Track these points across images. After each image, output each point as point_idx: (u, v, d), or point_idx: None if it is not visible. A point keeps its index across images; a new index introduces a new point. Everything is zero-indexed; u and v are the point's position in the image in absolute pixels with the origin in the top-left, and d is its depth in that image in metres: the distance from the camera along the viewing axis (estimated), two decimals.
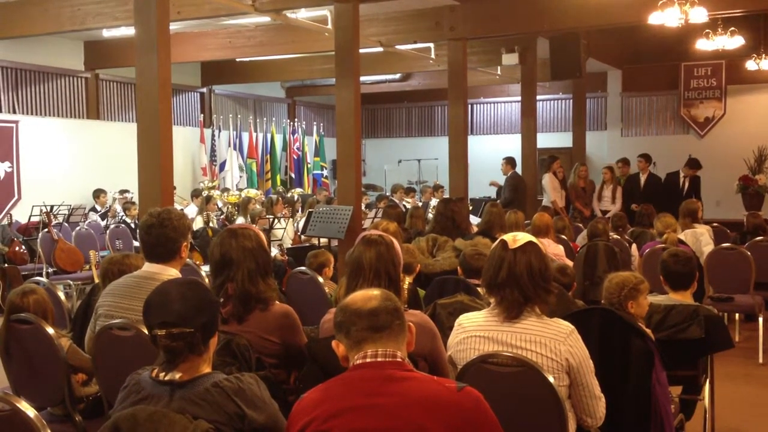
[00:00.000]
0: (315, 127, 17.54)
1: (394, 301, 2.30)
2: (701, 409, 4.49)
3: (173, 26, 8.09)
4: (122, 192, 12.27)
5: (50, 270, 9.11)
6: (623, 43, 14.95)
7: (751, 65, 12.89)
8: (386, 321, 2.23)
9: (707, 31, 10.66)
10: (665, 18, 8.11)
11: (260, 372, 2.91)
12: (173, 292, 2.28)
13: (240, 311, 3.19)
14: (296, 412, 2.22)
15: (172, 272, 3.55)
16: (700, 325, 4.01)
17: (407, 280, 4.39)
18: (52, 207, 10.17)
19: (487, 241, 5.77)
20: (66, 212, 10.90)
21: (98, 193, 12.20)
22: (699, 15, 8.07)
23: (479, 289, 4.23)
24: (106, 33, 11.51)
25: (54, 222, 9.74)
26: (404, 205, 12.00)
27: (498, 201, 10.55)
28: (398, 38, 10.87)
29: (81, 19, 9.50)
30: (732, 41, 10.74)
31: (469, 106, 15.06)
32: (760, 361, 6.69)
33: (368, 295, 2.28)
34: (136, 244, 9.70)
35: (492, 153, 14.56)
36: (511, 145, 14.29)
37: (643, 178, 11.80)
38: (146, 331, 2.34)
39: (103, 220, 11.60)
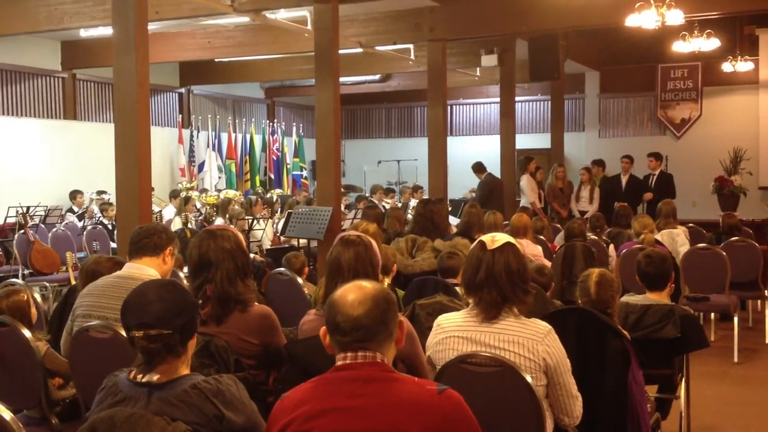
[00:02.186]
0: (294, 128, 17.50)
1: (384, 306, 2.21)
2: (677, 407, 4.54)
3: (151, 26, 8.04)
4: (99, 193, 12.17)
5: (26, 272, 9.02)
6: (601, 44, 15.07)
7: (727, 67, 13.04)
8: (369, 334, 2.17)
9: (684, 33, 10.77)
10: (642, 20, 8.19)
11: (239, 373, 2.90)
12: (151, 294, 2.27)
13: (219, 312, 3.18)
14: (277, 412, 2.22)
15: (151, 272, 3.55)
16: (675, 325, 4.05)
17: (386, 281, 4.41)
18: (28, 208, 10.09)
19: (466, 241, 5.80)
20: (42, 213, 10.81)
21: (75, 194, 12.10)
22: (675, 17, 8.15)
23: (458, 289, 4.25)
24: (84, 33, 11.42)
25: (30, 223, 9.65)
26: (383, 206, 12.02)
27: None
28: (378, 39, 10.88)
29: (58, 18, 9.42)
30: (708, 43, 10.85)
31: (449, 107, 15.08)
32: (735, 360, 6.77)
33: (358, 298, 2.19)
34: (114, 245, 9.63)
35: (471, 154, 14.57)
36: (490, 146, 14.34)
37: (624, 179, 11.92)
38: (124, 332, 2.33)
39: (80, 221, 11.51)
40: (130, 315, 2.25)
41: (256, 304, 3.32)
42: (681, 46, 11.03)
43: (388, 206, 11.79)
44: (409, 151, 17.00)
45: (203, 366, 2.85)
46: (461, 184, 14.24)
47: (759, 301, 8.22)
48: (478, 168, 11.89)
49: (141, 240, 3.67)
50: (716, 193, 12.15)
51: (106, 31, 9.22)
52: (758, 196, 13.47)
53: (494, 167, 12.31)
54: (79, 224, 11.18)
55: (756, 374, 6.53)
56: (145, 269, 3.57)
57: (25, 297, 3.92)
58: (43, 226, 10.26)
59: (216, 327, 3.16)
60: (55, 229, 9.98)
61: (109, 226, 10.57)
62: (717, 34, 10.97)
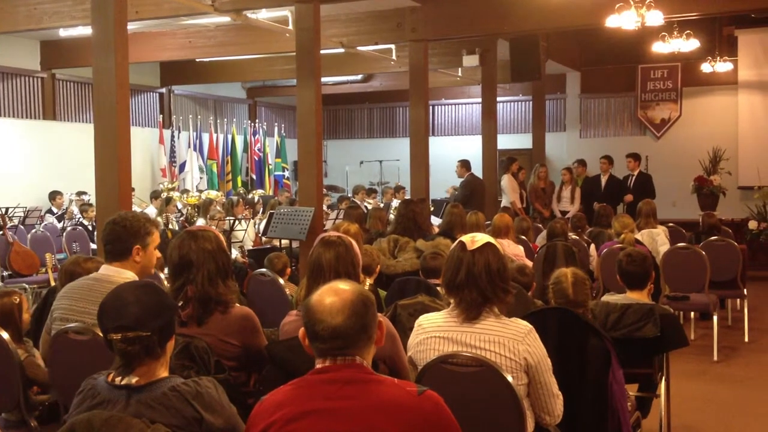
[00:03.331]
0: (276, 128, 17.46)
1: (363, 310, 2.17)
2: (657, 406, 4.56)
3: (131, 26, 7.99)
4: (79, 194, 12.09)
5: (5, 273, 8.93)
6: (582, 45, 15.15)
7: (706, 68, 13.14)
8: (349, 342, 2.15)
9: (663, 34, 10.85)
10: (622, 21, 8.23)
11: (219, 375, 2.89)
12: (129, 296, 2.25)
13: (199, 313, 3.16)
14: (256, 415, 2.21)
15: (128, 275, 3.51)
16: (655, 324, 4.07)
17: (368, 282, 4.41)
18: (7, 209, 9.99)
19: (448, 241, 5.81)
20: (21, 214, 10.72)
21: (54, 195, 12.00)
22: (655, 18, 8.20)
23: (439, 289, 4.25)
24: (63, 32, 11.33)
25: (9, 224, 9.56)
26: (365, 206, 12.01)
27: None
28: (359, 39, 10.87)
29: (37, 18, 9.34)
30: (687, 44, 10.94)
31: (431, 107, 15.11)
32: (715, 358, 6.82)
33: (336, 306, 2.15)
34: (94, 246, 9.57)
35: (453, 154, 14.63)
36: (472, 146, 14.38)
37: (604, 180, 11.99)
38: (102, 335, 2.31)
39: (59, 222, 11.42)
40: (107, 317, 2.24)
41: (237, 305, 3.31)
42: (660, 47, 11.11)
43: (370, 206, 11.80)
44: (391, 152, 17.01)
45: (183, 368, 2.83)
46: (443, 184, 14.25)
47: (738, 300, 8.29)
48: (464, 164, 11.87)
49: (105, 247, 3.62)
50: (696, 192, 12.25)
51: (86, 30, 9.16)
52: (737, 196, 13.58)
53: (476, 167, 12.33)
54: (59, 225, 11.09)
55: (735, 372, 6.58)
56: (122, 272, 3.53)
57: (17, 300, 3.87)
58: (22, 227, 10.17)
59: (197, 328, 3.15)
60: (34, 231, 9.90)
61: (89, 227, 10.49)
62: (696, 35, 11.05)
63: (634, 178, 11.79)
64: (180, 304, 3.12)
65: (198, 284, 3.16)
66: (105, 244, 3.63)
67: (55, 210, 11.91)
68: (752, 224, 11.69)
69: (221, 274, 3.22)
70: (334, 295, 2.18)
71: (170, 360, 2.36)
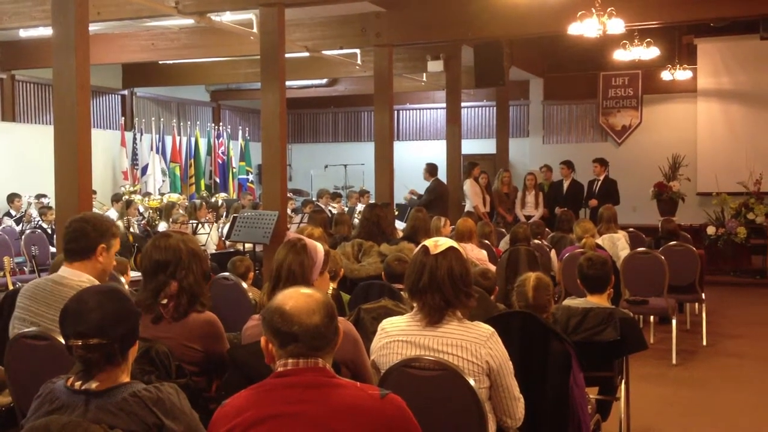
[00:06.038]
0: (240, 132, 17.37)
1: (333, 312, 2.21)
2: (617, 409, 4.62)
3: (93, 27, 7.90)
4: (39, 196, 11.90)
5: None
6: (545, 52, 15.31)
7: (666, 75, 13.38)
8: (325, 342, 2.17)
9: (624, 42, 11.01)
10: (584, 28, 8.34)
11: (180, 380, 2.87)
12: (91, 301, 2.21)
13: (182, 310, 3.19)
14: (217, 419, 2.19)
15: (84, 278, 3.41)
16: (615, 328, 4.12)
17: (331, 286, 4.41)
18: None
19: (412, 246, 5.81)
20: None
21: (12, 198, 11.81)
22: (616, 26, 8.32)
23: (403, 293, 4.26)
24: (23, 33, 11.16)
25: None
26: (330, 210, 11.99)
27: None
28: (324, 43, 10.87)
29: None
30: (648, 52, 11.12)
31: (395, 112, 15.16)
32: (674, 361, 6.92)
33: (311, 306, 2.16)
34: (53, 250, 9.43)
35: (417, 159, 14.67)
36: (437, 151, 14.44)
37: (566, 185, 12.11)
38: (61, 340, 2.27)
39: (18, 225, 11.23)
40: (68, 323, 2.19)
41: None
42: (622, 55, 11.28)
43: (334, 210, 11.79)
44: (356, 156, 17.01)
45: (144, 372, 2.81)
46: (410, 187, 14.28)
47: (696, 304, 8.42)
48: (430, 169, 11.90)
49: (67, 245, 3.50)
50: (655, 198, 12.44)
51: (46, 31, 9.03)
52: (696, 202, 13.82)
53: (440, 172, 12.38)
54: (17, 228, 10.91)
55: (694, 375, 6.68)
56: (80, 275, 3.44)
57: None
58: None
59: (168, 326, 3.14)
60: None
61: (49, 230, 10.33)
62: (657, 43, 11.24)
63: (599, 183, 11.92)
64: (164, 301, 3.17)
65: (189, 281, 3.21)
66: (67, 242, 3.50)
67: (13, 213, 11.71)
68: (710, 230, 11.89)
69: (205, 276, 3.31)
70: (306, 296, 2.20)
71: (131, 365, 2.33)
